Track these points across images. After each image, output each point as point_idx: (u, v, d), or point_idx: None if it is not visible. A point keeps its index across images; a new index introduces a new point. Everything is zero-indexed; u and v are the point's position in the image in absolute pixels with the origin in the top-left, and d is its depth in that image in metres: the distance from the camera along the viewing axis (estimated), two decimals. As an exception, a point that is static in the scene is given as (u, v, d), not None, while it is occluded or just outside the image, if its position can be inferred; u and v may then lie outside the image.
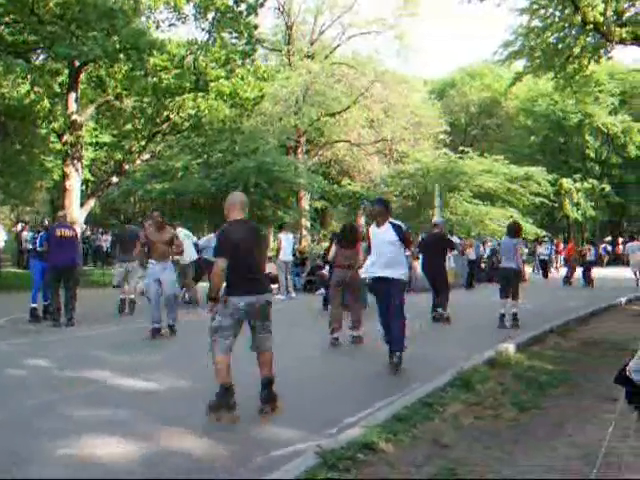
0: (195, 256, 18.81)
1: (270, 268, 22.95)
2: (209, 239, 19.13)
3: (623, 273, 30.42)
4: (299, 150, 44.08)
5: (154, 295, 12.56)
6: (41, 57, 28.27)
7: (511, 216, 39.28)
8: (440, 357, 10.40)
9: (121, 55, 24.75)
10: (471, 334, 13.28)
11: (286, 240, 21.79)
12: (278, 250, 21.60)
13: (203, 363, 7.71)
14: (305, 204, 41.55)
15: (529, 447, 6.18)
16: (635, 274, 26.65)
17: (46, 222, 16.83)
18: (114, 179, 31.78)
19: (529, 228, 40.09)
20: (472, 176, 39.77)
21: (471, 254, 26.86)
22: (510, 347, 10.57)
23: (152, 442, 6.15)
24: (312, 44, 49.38)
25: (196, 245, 19.61)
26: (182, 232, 18.22)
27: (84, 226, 30.56)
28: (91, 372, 9.18)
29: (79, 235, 16.88)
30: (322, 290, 20.73)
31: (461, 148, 43.25)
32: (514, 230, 14.96)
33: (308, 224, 41.50)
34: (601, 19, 19.68)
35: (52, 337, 12.76)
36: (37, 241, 15.12)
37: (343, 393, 8.24)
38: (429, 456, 5.75)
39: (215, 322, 6.94)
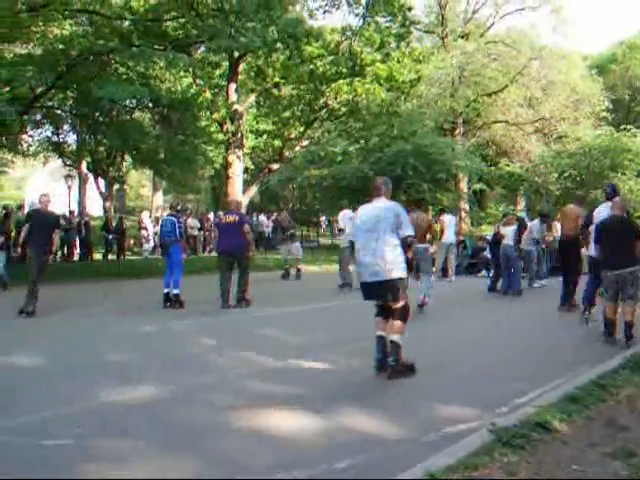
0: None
1: (432, 249, 22.79)
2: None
3: None
4: (456, 132, 43.61)
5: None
6: (201, 50, 29.17)
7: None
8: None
9: (279, 44, 25.19)
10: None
11: (449, 222, 21.32)
12: (442, 232, 20.73)
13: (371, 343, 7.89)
14: (463, 186, 41.16)
15: None
16: None
17: (179, 207, 17.12)
18: (274, 166, 32.47)
19: None
20: (637, 153, 38.19)
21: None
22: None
23: (327, 417, 6.35)
24: (466, 24, 48.69)
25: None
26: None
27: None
28: (264, 350, 9.50)
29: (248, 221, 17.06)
30: (485, 272, 20.49)
31: (623, 126, 41.61)
32: None
33: (467, 207, 41.10)
34: None
35: (223, 317, 13.25)
36: (177, 228, 14.97)
37: (512, 373, 8.20)
38: (604, 437, 5.68)
39: None
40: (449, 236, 20.93)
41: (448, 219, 21.42)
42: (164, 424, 6.18)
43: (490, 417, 6.03)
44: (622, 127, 40.92)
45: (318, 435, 5.85)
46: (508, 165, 43.81)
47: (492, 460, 4.97)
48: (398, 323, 7.88)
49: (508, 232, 17.28)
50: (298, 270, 22.96)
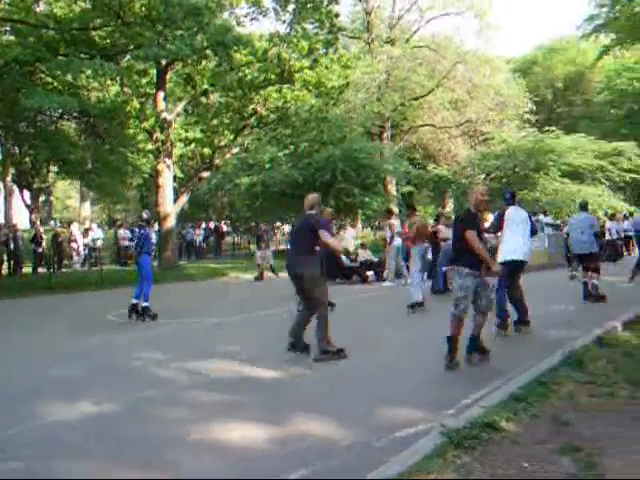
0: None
1: (365, 255, 22.81)
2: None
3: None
4: (384, 136, 44.03)
5: None
6: (127, 57, 28.83)
7: (600, 195, 38.32)
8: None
9: (208, 52, 25.08)
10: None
11: (398, 226, 21.05)
12: (392, 236, 20.38)
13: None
14: (392, 190, 41.51)
15: (649, 424, 6.18)
16: None
17: (145, 216, 16.74)
18: (204, 174, 32.30)
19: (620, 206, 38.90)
20: (560, 154, 38.98)
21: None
22: (618, 326, 10.51)
23: (279, 426, 6.39)
24: (391, 29, 49.12)
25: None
26: None
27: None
28: (208, 361, 9.52)
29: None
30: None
31: (546, 128, 42.45)
32: None
33: (396, 210, 41.45)
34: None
35: (162, 329, 13.16)
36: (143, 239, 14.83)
37: (452, 376, 8.34)
38: (551, 433, 5.82)
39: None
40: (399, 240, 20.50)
41: (397, 223, 21.26)
42: (115, 440, 6.14)
43: (438, 419, 6.13)
44: (546, 129, 41.80)
45: (271, 444, 5.89)
46: (436, 168, 44.41)
47: (446, 463, 5.07)
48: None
49: None
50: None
